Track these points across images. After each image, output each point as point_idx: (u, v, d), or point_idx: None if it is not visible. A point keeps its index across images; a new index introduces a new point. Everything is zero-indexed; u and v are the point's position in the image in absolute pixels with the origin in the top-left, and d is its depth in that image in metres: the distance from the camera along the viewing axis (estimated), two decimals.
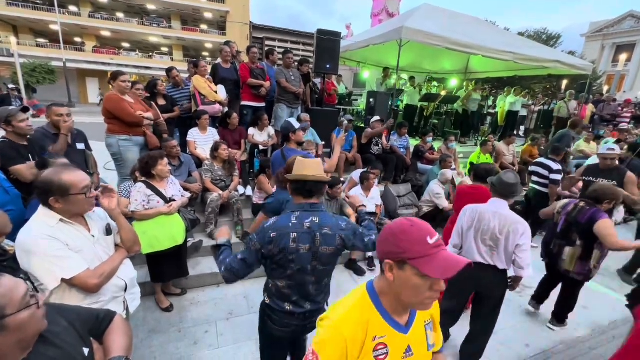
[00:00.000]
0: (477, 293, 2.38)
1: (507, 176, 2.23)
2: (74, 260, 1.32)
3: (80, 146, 3.10)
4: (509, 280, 2.34)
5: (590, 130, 7.15)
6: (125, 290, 1.54)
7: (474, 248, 2.26)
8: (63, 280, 1.29)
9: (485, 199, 2.37)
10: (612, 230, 2.46)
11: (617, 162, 3.69)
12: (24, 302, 0.82)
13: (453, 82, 9.67)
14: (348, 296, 0.97)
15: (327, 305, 1.72)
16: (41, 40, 26.69)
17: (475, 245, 2.25)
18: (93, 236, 1.45)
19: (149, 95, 4.20)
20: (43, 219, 1.33)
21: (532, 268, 2.19)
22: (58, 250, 1.29)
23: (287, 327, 1.57)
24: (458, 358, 2.53)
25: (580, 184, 3.98)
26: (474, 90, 8.25)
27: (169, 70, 4.84)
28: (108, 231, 1.53)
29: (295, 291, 1.52)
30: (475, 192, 2.89)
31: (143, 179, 2.69)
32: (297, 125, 3.15)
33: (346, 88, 9.30)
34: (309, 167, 1.54)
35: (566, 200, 2.89)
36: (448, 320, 2.52)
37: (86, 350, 0.98)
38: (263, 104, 5.13)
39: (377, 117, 5.34)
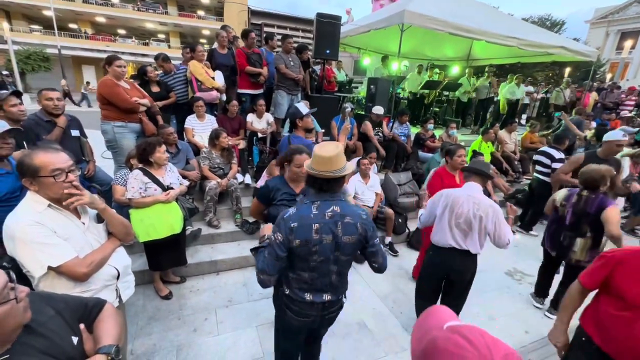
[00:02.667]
0: (447, 278, 2.40)
1: (479, 158, 2.36)
2: (61, 248, 1.27)
3: (75, 133, 3.04)
4: None
5: (593, 118, 7.09)
6: (118, 278, 1.50)
7: (447, 233, 2.25)
8: (50, 268, 1.25)
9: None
10: (617, 219, 2.45)
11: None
12: (2, 296, 0.77)
13: (455, 70, 9.49)
14: None
15: (345, 297, 1.70)
16: (35, 27, 26.13)
17: (449, 230, 2.24)
18: (83, 223, 1.41)
19: (139, 83, 4.07)
20: (31, 204, 1.28)
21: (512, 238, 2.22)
22: (45, 237, 1.24)
23: (306, 317, 1.56)
24: None
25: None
26: (487, 78, 8.26)
27: (157, 57, 4.56)
28: (100, 219, 1.48)
29: (318, 282, 1.50)
30: None
31: (140, 166, 2.63)
32: (305, 110, 2.95)
33: (346, 75, 9.12)
34: (325, 162, 1.40)
35: (565, 191, 2.84)
36: (423, 304, 2.52)
37: (75, 339, 0.95)
38: (261, 91, 5.02)
39: (378, 107, 5.23)
